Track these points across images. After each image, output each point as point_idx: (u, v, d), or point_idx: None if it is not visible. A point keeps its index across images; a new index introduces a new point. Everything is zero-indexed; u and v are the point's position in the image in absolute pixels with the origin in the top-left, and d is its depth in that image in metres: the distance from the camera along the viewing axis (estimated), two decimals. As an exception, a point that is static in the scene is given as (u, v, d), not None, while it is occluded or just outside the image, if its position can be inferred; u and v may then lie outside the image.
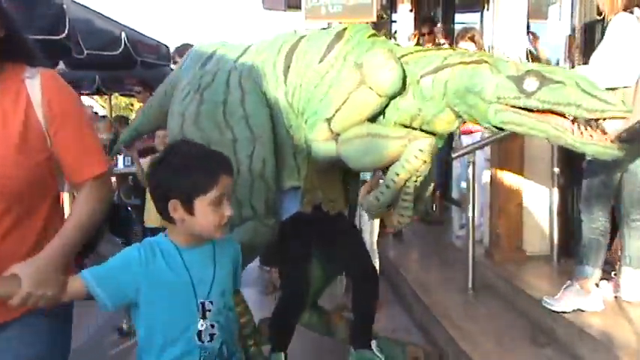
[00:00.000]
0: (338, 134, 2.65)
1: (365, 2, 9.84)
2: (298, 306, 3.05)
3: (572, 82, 2.30)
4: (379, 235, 4.81)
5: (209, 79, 2.90)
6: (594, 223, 3.38)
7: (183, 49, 4.58)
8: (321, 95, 2.72)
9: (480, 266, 4.32)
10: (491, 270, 4.35)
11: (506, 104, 2.40)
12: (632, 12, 3.31)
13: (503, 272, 4.24)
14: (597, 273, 3.39)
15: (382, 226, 4.79)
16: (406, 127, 2.64)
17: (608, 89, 3.20)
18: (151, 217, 4.91)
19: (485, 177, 4.77)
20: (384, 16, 10.53)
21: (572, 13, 4.50)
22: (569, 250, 4.26)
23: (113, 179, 7.45)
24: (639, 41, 3.19)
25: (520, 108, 2.38)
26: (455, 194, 5.97)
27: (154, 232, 5.04)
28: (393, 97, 2.60)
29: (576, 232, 3.75)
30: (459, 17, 7.88)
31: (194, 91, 2.87)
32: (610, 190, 3.38)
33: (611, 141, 2.35)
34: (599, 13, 3.69)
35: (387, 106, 2.63)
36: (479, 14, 7.09)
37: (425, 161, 2.47)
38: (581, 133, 2.33)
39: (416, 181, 2.53)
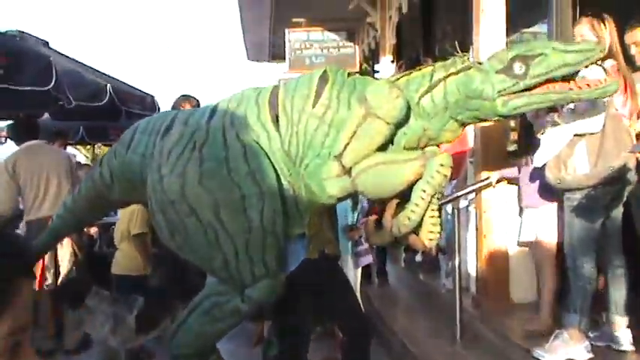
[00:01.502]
0: (349, 169, 2.70)
1: (348, 53, 10.07)
2: (302, 357, 3.02)
3: (549, 49, 2.59)
4: (363, 284, 4.79)
5: (203, 135, 2.83)
6: (580, 270, 3.40)
7: (182, 100, 4.59)
8: (323, 136, 2.75)
9: (468, 315, 4.30)
10: (480, 319, 4.33)
11: (509, 93, 2.61)
12: (601, 63, 3.42)
13: (492, 321, 4.22)
14: (586, 321, 3.39)
15: (364, 275, 4.79)
16: (414, 148, 2.76)
17: (575, 135, 3.34)
18: (120, 264, 4.87)
19: (471, 224, 4.80)
20: (367, 66, 10.75)
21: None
22: (558, 297, 4.26)
23: (95, 229, 7.39)
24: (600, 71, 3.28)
25: (522, 91, 2.60)
26: (441, 241, 5.97)
27: (123, 280, 5.01)
28: (399, 124, 2.69)
29: (564, 279, 3.76)
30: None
31: (189, 150, 2.79)
32: (593, 237, 3.42)
33: (605, 80, 2.66)
34: None
35: (394, 133, 2.73)
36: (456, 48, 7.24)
37: (446, 175, 2.64)
38: (579, 87, 2.62)
39: (439, 198, 2.71)
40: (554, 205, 3.92)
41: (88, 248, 6.38)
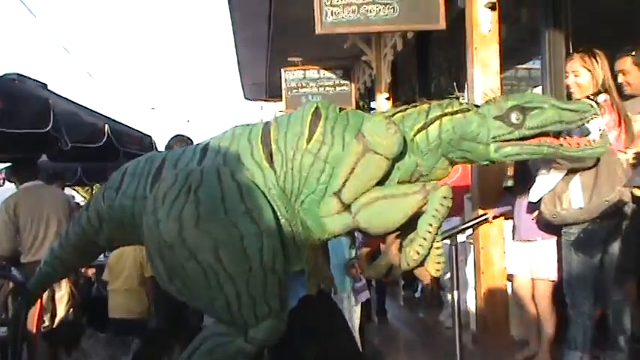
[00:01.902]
0: (349, 205, 2.71)
1: (344, 91, 10.17)
2: None
3: (548, 104, 2.68)
4: (362, 321, 4.75)
5: (197, 177, 2.79)
6: (579, 306, 3.39)
7: (176, 140, 4.62)
8: (319, 172, 2.75)
9: (468, 352, 4.25)
10: (480, 356, 4.29)
11: (503, 140, 2.68)
12: (595, 97, 3.46)
13: (492, 358, 4.18)
14: (587, 357, 3.36)
15: (363, 314, 4.76)
16: (406, 182, 2.79)
17: (570, 170, 3.36)
18: (123, 307, 4.83)
19: (470, 259, 4.78)
20: (363, 104, 10.85)
21: (543, 99, 4.66)
22: (558, 333, 4.23)
23: (92, 271, 7.35)
24: (595, 127, 3.32)
25: (515, 139, 2.68)
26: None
27: (124, 323, 4.96)
28: (396, 159, 2.72)
29: (564, 315, 3.73)
30: (435, 105, 8.11)
31: (185, 193, 2.74)
32: (591, 272, 3.41)
33: (594, 141, 2.74)
34: (569, 97, 3.84)
35: (391, 168, 2.75)
36: (454, 89, 7.30)
37: (448, 207, 2.68)
38: (569, 144, 2.70)
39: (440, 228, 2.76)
40: (551, 239, 3.92)
41: (85, 290, 6.35)
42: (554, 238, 3.90)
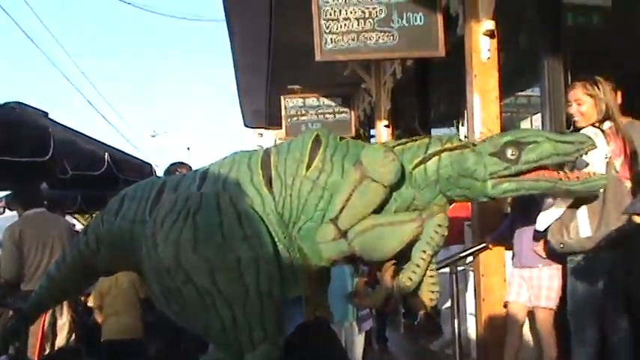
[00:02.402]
0: (345, 232, 2.71)
1: (344, 118, 10.21)
2: None
3: (543, 138, 2.69)
4: (365, 351, 4.71)
5: (196, 201, 2.82)
6: (583, 334, 3.35)
7: (175, 167, 4.64)
8: (317, 199, 2.77)
9: (470, 381, 4.20)
10: (482, 385, 4.23)
11: (500, 177, 2.68)
12: (600, 125, 3.46)
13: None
14: (590, 386, 3.32)
15: (366, 342, 4.72)
16: None
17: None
18: (115, 329, 4.83)
19: (470, 287, 4.75)
20: (362, 131, 10.88)
21: (542, 126, 4.68)
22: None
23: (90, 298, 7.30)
24: (601, 154, 3.32)
25: (512, 175, 2.67)
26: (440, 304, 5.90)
27: (115, 344, 4.95)
28: (394, 187, 2.73)
29: (566, 343, 3.69)
30: (434, 132, 8.15)
31: (183, 217, 2.77)
32: (596, 301, 3.38)
33: (594, 173, 2.76)
34: (568, 127, 3.84)
35: (389, 196, 2.76)
36: (454, 129, 7.34)
37: (444, 235, 2.69)
38: (568, 177, 2.70)
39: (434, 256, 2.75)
40: (552, 267, 3.89)
41: (84, 318, 6.31)
42: (556, 266, 3.88)
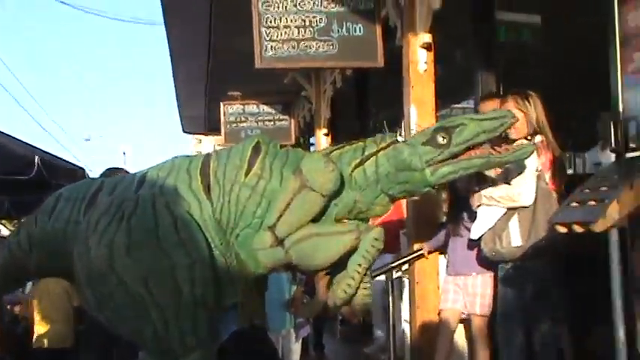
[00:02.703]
0: (282, 240, 2.72)
1: (283, 126, 10.22)
2: None
3: (467, 120, 2.83)
4: (302, 357, 4.71)
5: (131, 205, 2.79)
6: (510, 339, 3.45)
7: (110, 173, 4.53)
8: (255, 206, 2.77)
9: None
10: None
11: (436, 162, 2.77)
12: (532, 138, 3.58)
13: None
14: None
15: (303, 349, 4.73)
16: (344, 219, 2.84)
17: (509, 209, 3.46)
18: (47, 338, 4.71)
19: (405, 294, 4.82)
20: (302, 139, 10.91)
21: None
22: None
23: (18, 308, 7.03)
24: (532, 168, 3.44)
25: (447, 159, 2.78)
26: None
27: (45, 353, 4.82)
28: (332, 196, 2.76)
29: (496, 350, 3.79)
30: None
31: (118, 220, 2.74)
32: (524, 307, 3.48)
33: (521, 144, 2.91)
34: (506, 138, 3.96)
35: (327, 205, 2.79)
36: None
37: (379, 249, 2.75)
38: (499, 151, 2.85)
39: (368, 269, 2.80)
40: (486, 275, 3.99)
41: (12, 326, 6.10)
42: (489, 274, 3.97)
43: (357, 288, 2.78)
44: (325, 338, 6.44)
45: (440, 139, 2.77)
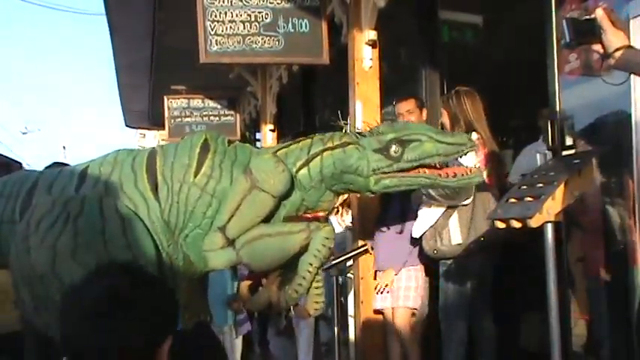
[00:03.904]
0: (233, 241, 2.71)
1: (229, 121, 10.12)
2: None
3: (426, 137, 2.77)
4: (244, 353, 4.70)
5: (77, 205, 2.69)
6: (452, 333, 3.52)
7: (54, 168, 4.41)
8: (205, 206, 2.73)
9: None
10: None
11: (383, 173, 2.77)
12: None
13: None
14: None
15: (245, 344, 4.71)
16: (292, 218, 2.84)
17: (449, 207, 3.54)
18: None
19: (350, 290, 4.85)
20: (248, 135, 10.84)
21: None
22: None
23: None
24: (470, 164, 3.52)
25: (394, 172, 2.77)
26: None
27: None
28: (282, 197, 2.76)
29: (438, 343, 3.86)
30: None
31: (63, 221, 2.64)
32: (465, 301, 3.56)
33: (470, 170, 2.86)
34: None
35: (277, 205, 2.79)
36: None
37: (330, 248, 2.76)
38: (447, 174, 2.82)
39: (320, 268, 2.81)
40: (410, 268, 4.02)
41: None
42: (414, 267, 4.02)
43: (309, 288, 2.79)
44: (270, 334, 6.43)
45: (392, 151, 2.75)
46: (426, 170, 2.80)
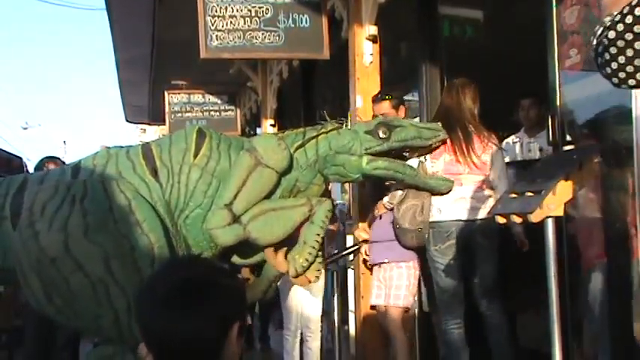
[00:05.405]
0: (239, 217, 2.81)
1: (229, 117, 10.11)
2: None
3: (407, 123, 3.21)
4: (245, 348, 4.70)
5: (81, 188, 2.72)
6: (446, 325, 3.53)
7: (47, 161, 4.44)
8: (206, 186, 2.84)
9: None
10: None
11: (374, 152, 3.02)
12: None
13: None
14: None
15: (246, 340, 4.70)
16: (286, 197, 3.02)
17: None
18: None
19: (350, 285, 4.86)
20: (248, 130, 10.84)
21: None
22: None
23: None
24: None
25: (384, 153, 3.05)
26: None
27: None
28: (282, 174, 2.92)
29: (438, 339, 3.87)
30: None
31: (69, 203, 2.66)
32: (458, 292, 3.58)
33: (447, 179, 3.29)
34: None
35: (279, 182, 2.96)
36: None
37: (330, 218, 3.02)
38: (426, 173, 3.27)
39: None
40: (402, 265, 4.00)
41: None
42: (406, 265, 3.98)
43: (316, 256, 2.99)
44: (270, 330, 6.45)
45: (381, 133, 3.03)
46: (412, 164, 3.22)
